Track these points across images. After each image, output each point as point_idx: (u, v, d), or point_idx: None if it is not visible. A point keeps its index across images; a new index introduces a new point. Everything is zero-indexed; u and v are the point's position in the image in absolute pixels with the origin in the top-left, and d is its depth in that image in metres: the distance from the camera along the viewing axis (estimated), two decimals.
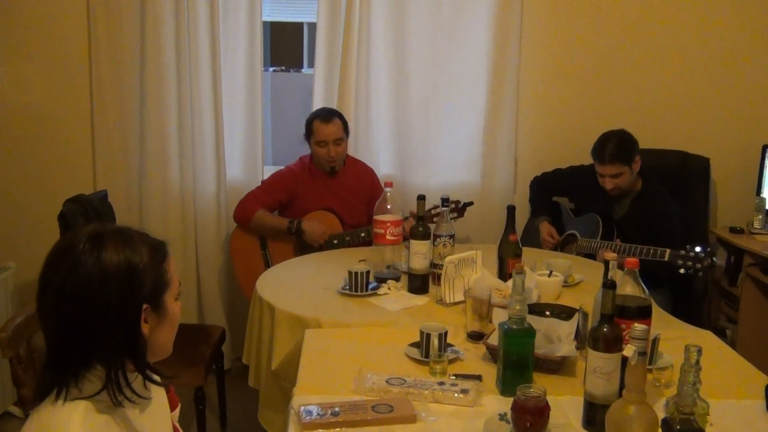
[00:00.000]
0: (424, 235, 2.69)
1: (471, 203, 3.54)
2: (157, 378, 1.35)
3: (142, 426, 1.35)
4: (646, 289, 1.79)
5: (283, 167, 3.72)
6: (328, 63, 3.87)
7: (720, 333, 3.88)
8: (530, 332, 1.87)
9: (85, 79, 3.82)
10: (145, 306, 1.30)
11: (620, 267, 1.86)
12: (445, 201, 2.76)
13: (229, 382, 3.62)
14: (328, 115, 3.56)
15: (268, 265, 3.52)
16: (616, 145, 3.33)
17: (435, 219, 3.21)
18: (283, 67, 7.25)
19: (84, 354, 1.26)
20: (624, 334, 1.68)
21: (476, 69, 3.88)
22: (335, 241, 3.51)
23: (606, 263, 1.91)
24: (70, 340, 1.25)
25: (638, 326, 1.49)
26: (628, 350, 1.47)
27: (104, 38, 3.75)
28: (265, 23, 3.93)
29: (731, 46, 3.93)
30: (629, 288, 1.77)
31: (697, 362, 1.52)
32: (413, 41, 3.86)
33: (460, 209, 3.53)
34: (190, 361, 2.97)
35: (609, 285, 1.67)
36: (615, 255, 1.92)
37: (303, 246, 3.54)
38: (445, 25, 3.85)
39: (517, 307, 1.85)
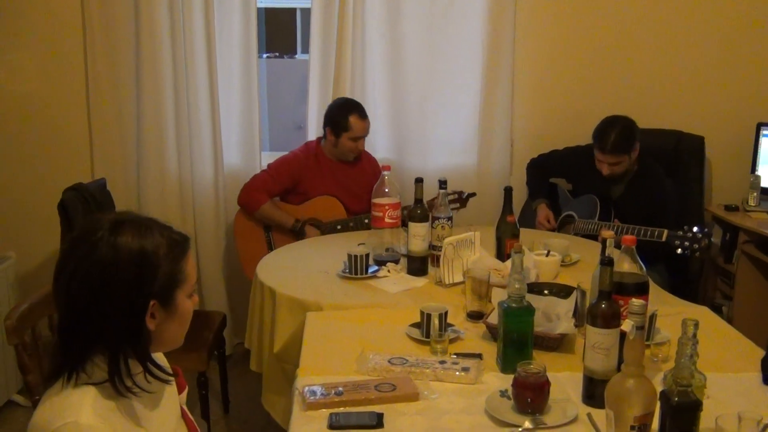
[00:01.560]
0: (423, 218, 2.71)
1: (474, 194, 3.54)
2: (158, 373, 1.35)
3: (147, 419, 1.36)
4: (643, 266, 1.82)
5: (288, 152, 3.73)
6: (324, 48, 3.87)
7: (716, 310, 3.90)
8: (529, 310, 1.89)
9: (80, 68, 3.82)
10: (152, 302, 1.31)
11: (617, 246, 1.88)
12: (443, 183, 2.78)
13: (232, 367, 3.64)
14: (363, 110, 3.59)
15: (271, 247, 3.55)
16: (618, 135, 3.33)
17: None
18: (277, 54, 7.25)
19: (88, 339, 1.28)
20: (622, 310, 1.71)
21: (471, 51, 3.89)
22: (339, 227, 3.53)
23: (603, 241, 1.93)
24: (77, 323, 1.27)
25: (636, 301, 1.52)
26: (626, 325, 1.49)
27: (99, 27, 3.75)
28: (259, 9, 3.92)
29: (724, 24, 3.94)
30: (626, 265, 1.79)
31: (694, 335, 1.55)
32: (408, 25, 3.86)
33: (463, 200, 3.53)
34: (192, 346, 2.99)
35: (606, 262, 1.70)
36: (612, 233, 1.95)
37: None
38: (439, 8, 3.85)
39: (516, 286, 1.87)
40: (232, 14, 3.82)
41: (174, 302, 1.34)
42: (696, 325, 1.55)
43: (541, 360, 1.90)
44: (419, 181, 2.76)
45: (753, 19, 3.94)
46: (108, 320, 1.27)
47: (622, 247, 1.79)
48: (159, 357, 1.47)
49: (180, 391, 1.52)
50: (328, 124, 3.60)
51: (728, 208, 3.86)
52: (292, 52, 7.29)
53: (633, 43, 3.96)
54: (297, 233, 3.52)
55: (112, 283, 1.26)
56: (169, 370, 1.43)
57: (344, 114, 3.55)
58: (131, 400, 1.32)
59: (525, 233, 3.09)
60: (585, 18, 3.94)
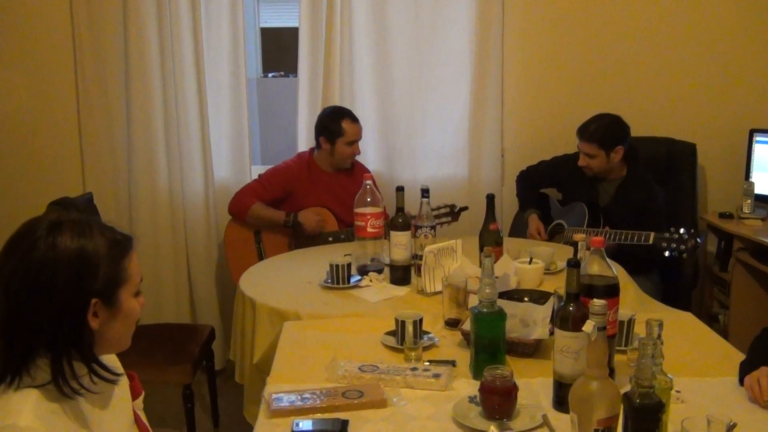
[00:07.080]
0: (404, 227, 2.69)
1: (466, 208, 3.51)
2: (103, 373, 1.34)
3: (97, 419, 1.35)
4: (613, 268, 1.79)
5: (280, 163, 3.73)
6: (312, 65, 3.88)
7: (713, 319, 3.87)
8: (501, 315, 1.86)
9: (71, 85, 3.85)
10: (94, 300, 1.30)
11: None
12: (425, 192, 2.76)
13: (224, 382, 3.62)
14: (353, 115, 3.61)
15: (261, 257, 3.53)
16: (600, 127, 3.34)
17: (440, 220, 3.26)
18: (282, 72, 7.32)
19: (30, 341, 1.26)
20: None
21: (459, 62, 3.88)
22: (330, 238, 3.51)
23: (575, 244, 1.91)
24: (18, 325, 1.26)
25: (597, 301, 1.50)
26: (588, 326, 1.47)
27: (88, 45, 3.77)
28: (263, 30, 3.95)
29: (716, 31, 3.92)
30: (596, 267, 1.77)
31: (659, 336, 1.52)
32: (395, 37, 3.86)
33: (455, 214, 3.50)
34: (177, 359, 2.98)
35: (573, 264, 1.68)
36: (583, 236, 1.92)
37: (298, 239, 3.54)
38: (426, 19, 3.84)
39: (487, 290, 1.85)
40: (221, 33, 3.84)
41: (117, 301, 1.33)
42: (660, 326, 1.53)
43: (516, 366, 1.88)
44: (400, 189, 2.74)
45: (744, 25, 3.91)
46: (49, 320, 1.26)
47: (591, 249, 1.76)
48: (112, 359, 1.46)
49: (135, 397, 1.51)
50: (321, 133, 3.59)
51: (722, 216, 3.82)
52: (296, 70, 7.38)
53: (624, 51, 3.95)
54: (292, 226, 3.50)
55: (50, 283, 1.26)
56: (117, 371, 1.42)
57: (336, 120, 3.56)
58: (78, 401, 1.31)
59: (512, 242, 3.07)
60: (575, 27, 3.93)
